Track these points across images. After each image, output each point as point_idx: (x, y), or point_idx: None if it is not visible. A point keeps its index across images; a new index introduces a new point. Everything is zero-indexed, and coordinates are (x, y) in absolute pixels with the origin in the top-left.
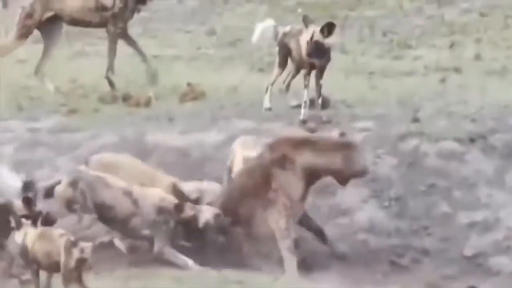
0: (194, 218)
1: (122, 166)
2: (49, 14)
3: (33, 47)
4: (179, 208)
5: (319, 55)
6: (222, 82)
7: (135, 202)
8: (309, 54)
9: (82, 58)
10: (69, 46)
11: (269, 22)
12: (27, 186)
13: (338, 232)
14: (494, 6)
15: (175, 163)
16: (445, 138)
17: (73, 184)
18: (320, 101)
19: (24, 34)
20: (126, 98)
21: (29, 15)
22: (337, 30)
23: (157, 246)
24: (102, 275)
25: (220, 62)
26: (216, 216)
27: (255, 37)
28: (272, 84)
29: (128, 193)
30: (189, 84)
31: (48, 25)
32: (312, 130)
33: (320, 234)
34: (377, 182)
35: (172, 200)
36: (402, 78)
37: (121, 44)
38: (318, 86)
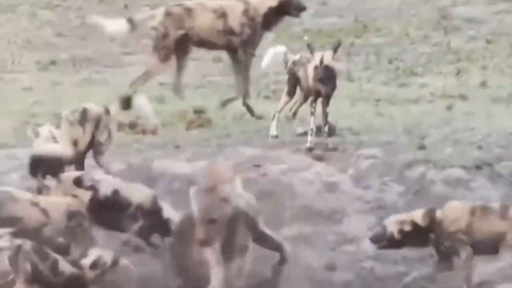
0: (94, 188)
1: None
2: (181, 32)
3: (38, 74)
4: (77, 181)
5: (326, 81)
6: (229, 109)
7: (43, 211)
8: (319, 79)
9: (88, 85)
10: (76, 73)
11: (281, 48)
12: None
13: (345, 260)
14: (500, 33)
15: (182, 191)
16: (452, 165)
17: None
18: (326, 128)
19: (166, 55)
20: (132, 126)
21: (165, 35)
22: (343, 57)
23: (74, 253)
24: None
25: (226, 89)
26: (115, 191)
27: (265, 62)
28: (280, 111)
29: (35, 204)
30: (195, 112)
31: (179, 45)
32: (318, 158)
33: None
34: (384, 209)
35: (78, 203)
36: (408, 105)
37: (125, 73)
38: (325, 114)
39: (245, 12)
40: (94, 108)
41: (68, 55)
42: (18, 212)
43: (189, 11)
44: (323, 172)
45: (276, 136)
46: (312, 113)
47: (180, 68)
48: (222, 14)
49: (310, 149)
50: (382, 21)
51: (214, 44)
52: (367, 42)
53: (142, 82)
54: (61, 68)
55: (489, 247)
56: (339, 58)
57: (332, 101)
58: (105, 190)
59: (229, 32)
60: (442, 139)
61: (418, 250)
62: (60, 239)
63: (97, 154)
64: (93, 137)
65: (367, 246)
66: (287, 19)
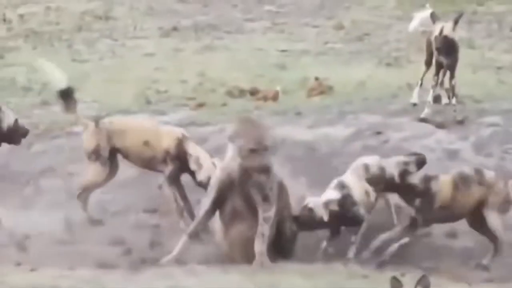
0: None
1: (128, 127)
2: None
3: (160, 40)
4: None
5: (445, 52)
6: (350, 76)
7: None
8: (437, 49)
9: (210, 52)
10: (197, 39)
11: (426, 12)
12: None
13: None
14: None
15: (302, 158)
16: None
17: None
18: (454, 101)
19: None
20: (253, 93)
21: None
22: (465, 25)
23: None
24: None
25: (347, 56)
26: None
27: (412, 26)
28: (421, 80)
29: None
30: (316, 79)
31: None
32: (440, 125)
33: None
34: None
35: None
36: None
37: (247, 39)
38: (451, 86)
39: None
40: None
41: (189, 21)
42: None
43: None
44: (445, 140)
45: (415, 104)
46: (433, 86)
47: None
48: None
49: (423, 120)
50: None
51: None
52: (489, 10)
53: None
54: (182, 34)
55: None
56: (461, 26)
57: None
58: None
59: None
60: None
61: None
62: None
63: None
64: None
65: None
66: None
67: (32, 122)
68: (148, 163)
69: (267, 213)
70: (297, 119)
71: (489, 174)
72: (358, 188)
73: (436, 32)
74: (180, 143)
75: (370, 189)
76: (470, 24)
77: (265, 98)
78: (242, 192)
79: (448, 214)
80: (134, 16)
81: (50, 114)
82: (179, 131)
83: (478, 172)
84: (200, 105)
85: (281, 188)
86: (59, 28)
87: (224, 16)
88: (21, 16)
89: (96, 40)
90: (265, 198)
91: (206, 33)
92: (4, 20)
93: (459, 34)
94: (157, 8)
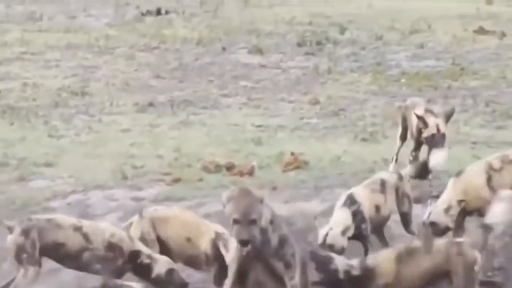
0: (148, 268)
1: (171, 217)
2: None
3: (136, 116)
4: (134, 255)
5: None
6: (326, 151)
7: (85, 236)
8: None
9: (186, 127)
10: (173, 115)
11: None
12: None
13: None
14: None
15: None
16: None
17: (25, 232)
18: (430, 176)
19: None
20: (229, 168)
21: None
22: (439, 100)
23: (103, 279)
24: None
25: (323, 131)
26: (169, 271)
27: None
28: (396, 155)
29: (78, 228)
30: (292, 154)
31: None
32: (417, 200)
33: None
34: None
35: (122, 236)
36: (505, 148)
37: (223, 115)
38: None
39: None
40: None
41: (165, 97)
42: (62, 238)
43: None
44: (420, 214)
45: None
46: (411, 161)
47: None
48: None
49: None
50: (479, 64)
51: None
52: (464, 85)
53: None
54: (158, 110)
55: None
56: (436, 101)
57: None
58: (159, 269)
59: None
60: None
61: None
62: (98, 266)
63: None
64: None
65: None
66: (384, 61)
67: (8, 197)
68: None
69: (293, 281)
70: (273, 194)
71: (439, 242)
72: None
73: (434, 131)
74: (215, 244)
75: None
76: (445, 99)
77: (241, 173)
78: (262, 263)
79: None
80: (110, 92)
81: (26, 190)
82: (212, 231)
83: (426, 241)
84: (176, 180)
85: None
86: (36, 104)
87: (200, 91)
88: None
89: (72, 116)
90: (288, 265)
91: (182, 108)
92: None
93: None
94: (133, 84)
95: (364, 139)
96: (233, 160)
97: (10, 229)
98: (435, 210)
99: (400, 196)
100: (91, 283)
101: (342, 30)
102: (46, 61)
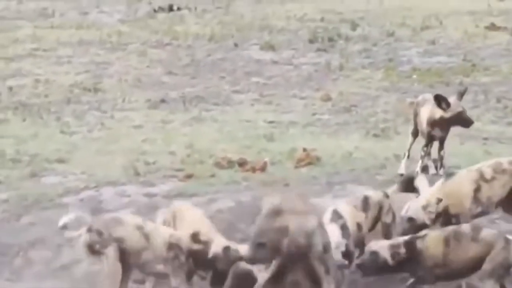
0: (205, 248)
1: (188, 217)
2: None
3: (148, 112)
4: (194, 237)
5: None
6: (337, 147)
7: (146, 236)
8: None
9: (198, 123)
10: (185, 111)
11: None
12: None
13: None
14: None
15: None
16: None
17: (89, 229)
18: (442, 171)
19: None
20: (242, 164)
21: None
22: (453, 97)
23: (174, 283)
24: None
25: (335, 127)
26: (225, 249)
27: None
28: (409, 151)
29: (139, 227)
30: (304, 150)
31: None
32: None
33: None
34: None
35: (180, 235)
36: None
37: (235, 111)
38: (440, 157)
39: None
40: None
41: (177, 93)
42: (123, 234)
43: None
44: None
45: (403, 175)
46: (422, 157)
47: None
48: None
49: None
50: (490, 60)
51: None
52: (476, 81)
53: None
54: (170, 106)
55: (466, 271)
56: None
57: None
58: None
59: None
60: None
61: None
62: (160, 266)
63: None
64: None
65: None
66: (396, 57)
67: (21, 193)
68: None
69: (331, 286)
70: (285, 190)
71: (487, 232)
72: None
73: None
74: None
75: (363, 221)
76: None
77: (253, 169)
78: (304, 264)
79: (447, 272)
80: (122, 88)
81: (39, 186)
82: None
83: (475, 229)
84: (188, 176)
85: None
86: (48, 100)
87: (212, 88)
88: (10, 88)
89: (84, 112)
90: (328, 271)
91: (194, 105)
92: None
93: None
94: (145, 80)
95: (376, 135)
96: (245, 156)
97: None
98: (413, 206)
99: (384, 211)
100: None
101: (354, 27)
102: (58, 58)
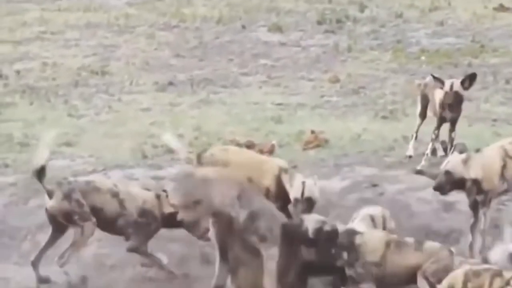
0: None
1: (231, 160)
2: None
3: (156, 95)
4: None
5: (454, 107)
6: (346, 129)
7: (121, 202)
8: (448, 105)
9: (206, 106)
10: (193, 94)
11: None
12: None
13: None
14: None
15: None
16: None
17: (67, 196)
18: (451, 153)
19: None
20: (249, 146)
21: None
22: (460, 78)
23: (131, 243)
24: None
25: (343, 109)
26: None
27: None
28: (416, 132)
29: (115, 194)
30: (312, 132)
31: None
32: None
33: None
34: (498, 229)
35: (154, 203)
36: None
37: (243, 93)
38: (451, 138)
39: None
40: None
41: (185, 76)
42: (100, 203)
43: None
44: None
45: (411, 157)
46: (433, 139)
47: None
48: None
49: (420, 172)
50: (499, 41)
51: None
52: (484, 62)
53: None
54: (178, 89)
55: (401, 279)
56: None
57: None
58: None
59: None
60: None
61: None
62: (130, 230)
63: None
64: None
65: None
66: (404, 38)
67: (29, 177)
68: None
69: (270, 250)
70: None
71: (431, 243)
72: None
73: (447, 88)
74: (279, 180)
75: None
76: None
77: (261, 152)
78: (236, 238)
79: (384, 274)
80: (130, 71)
81: (47, 169)
82: (276, 167)
83: (419, 241)
84: None
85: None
86: (56, 83)
87: (220, 70)
88: (18, 72)
89: (92, 95)
90: (263, 239)
91: (202, 87)
92: (1, 76)
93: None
94: (152, 63)
95: (384, 117)
96: (253, 139)
97: (50, 194)
98: (453, 160)
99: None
100: (110, 261)
101: (362, 8)
102: (65, 41)
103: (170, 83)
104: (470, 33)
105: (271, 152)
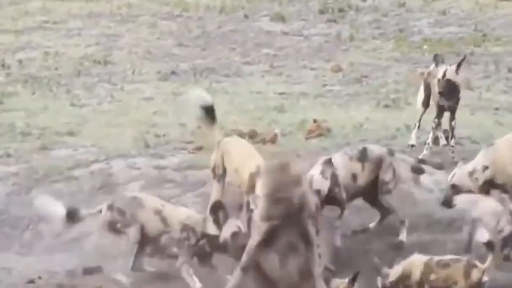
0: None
1: (231, 150)
2: None
3: (159, 84)
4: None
5: (447, 95)
6: (348, 118)
7: (164, 220)
8: (439, 93)
9: (208, 95)
10: (196, 83)
11: None
12: (71, 214)
13: None
14: None
15: None
16: None
17: (110, 207)
18: (453, 142)
19: None
20: (252, 135)
21: None
22: (464, 66)
23: (179, 262)
24: None
25: (346, 98)
26: (234, 234)
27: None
28: (419, 121)
29: (158, 212)
30: (315, 121)
31: None
32: (438, 166)
33: None
34: None
35: (196, 218)
36: None
37: (246, 83)
38: (451, 127)
39: None
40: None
41: (188, 65)
42: (143, 219)
43: None
44: (443, 181)
45: (413, 146)
46: (433, 128)
47: None
48: None
49: (422, 161)
50: (501, 30)
51: None
52: (487, 51)
53: None
54: (181, 78)
55: None
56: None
57: None
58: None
59: None
60: None
61: None
62: (174, 249)
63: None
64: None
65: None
66: (406, 27)
67: (31, 166)
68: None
69: (319, 249)
70: (296, 161)
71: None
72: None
73: (439, 76)
74: (253, 178)
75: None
76: (468, 65)
77: (263, 141)
78: (298, 225)
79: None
80: (132, 61)
81: (49, 159)
82: (255, 164)
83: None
84: (199, 149)
85: None
86: (58, 73)
87: (223, 59)
88: (20, 61)
89: (94, 85)
90: (318, 233)
91: (205, 76)
92: (3, 65)
93: (463, 76)
94: (155, 52)
95: (386, 106)
96: (256, 128)
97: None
98: (459, 173)
99: (383, 167)
100: (112, 252)
101: None
102: (68, 30)
103: (173, 72)
104: (473, 22)
105: (273, 141)
